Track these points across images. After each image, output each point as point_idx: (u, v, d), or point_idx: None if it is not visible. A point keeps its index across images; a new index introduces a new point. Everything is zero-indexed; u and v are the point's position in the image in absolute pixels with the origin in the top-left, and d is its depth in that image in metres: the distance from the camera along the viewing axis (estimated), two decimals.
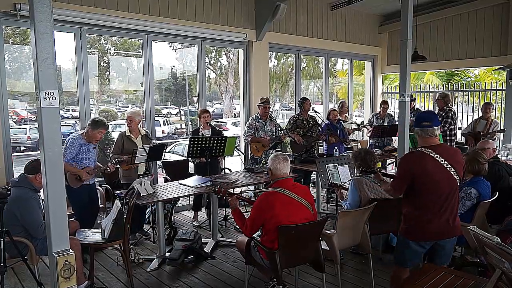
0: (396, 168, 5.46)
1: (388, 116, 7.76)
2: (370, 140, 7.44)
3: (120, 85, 20.73)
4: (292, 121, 6.68)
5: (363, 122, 8.25)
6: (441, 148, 2.87)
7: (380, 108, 7.85)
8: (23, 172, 3.66)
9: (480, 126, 6.63)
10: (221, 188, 3.51)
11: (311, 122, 6.65)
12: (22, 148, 14.44)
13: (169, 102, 22.32)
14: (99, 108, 18.08)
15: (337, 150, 6.01)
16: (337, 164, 4.97)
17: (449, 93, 8.09)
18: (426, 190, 2.82)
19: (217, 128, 6.29)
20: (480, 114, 6.89)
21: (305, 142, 6.44)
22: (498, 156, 4.98)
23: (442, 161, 2.80)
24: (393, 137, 7.54)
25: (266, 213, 3.04)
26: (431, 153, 2.81)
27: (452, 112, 6.89)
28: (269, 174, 3.28)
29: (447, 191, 2.82)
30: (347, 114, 8.02)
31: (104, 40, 17.37)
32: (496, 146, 6.81)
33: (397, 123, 7.28)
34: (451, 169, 2.81)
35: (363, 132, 8.59)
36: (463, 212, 3.66)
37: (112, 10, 5.36)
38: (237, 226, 5.51)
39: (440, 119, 6.85)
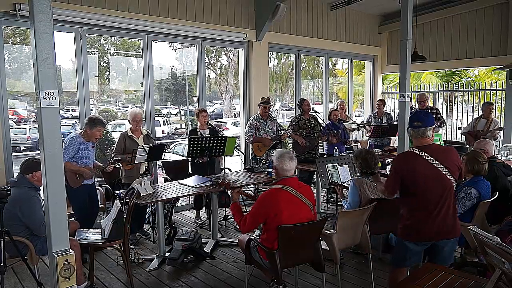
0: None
1: (386, 115, 7.75)
2: (370, 140, 7.43)
3: (120, 85, 20.72)
4: (294, 123, 6.64)
5: (362, 122, 8.23)
6: (432, 148, 2.85)
7: (376, 107, 7.86)
8: (19, 172, 3.64)
9: (480, 125, 6.63)
10: (225, 181, 3.57)
11: (313, 122, 6.64)
12: (22, 148, 14.43)
13: (169, 102, 22.33)
14: (99, 108, 18.07)
15: (337, 150, 6.01)
16: (337, 164, 4.97)
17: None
18: (419, 191, 2.82)
19: (217, 128, 6.29)
20: (480, 113, 6.90)
21: (308, 144, 6.43)
22: (498, 156, 4.95)
23: (433, 161, 2.79)
24: (392, 137, 7.54)
25: (270, 210, 2.99)
26: (422, 153, 2.80)
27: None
28: (275, 172, 3.26)
29: (440, 191, 2.80)
30: (347, 113, 8.00)
31: (104, 40, 17.37)
32: (496, 146, 6.81)
33: (396, 122, 7.30)
34: (443, 169, 2.79)
35: (362, 132, 8.58)
36: (463, 212, 3.66)
37: (112, 10, 5.36)
38: (238, 226, 5.52)
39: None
